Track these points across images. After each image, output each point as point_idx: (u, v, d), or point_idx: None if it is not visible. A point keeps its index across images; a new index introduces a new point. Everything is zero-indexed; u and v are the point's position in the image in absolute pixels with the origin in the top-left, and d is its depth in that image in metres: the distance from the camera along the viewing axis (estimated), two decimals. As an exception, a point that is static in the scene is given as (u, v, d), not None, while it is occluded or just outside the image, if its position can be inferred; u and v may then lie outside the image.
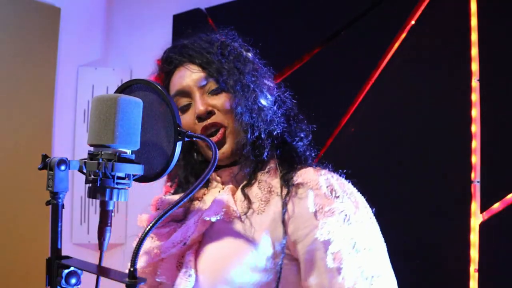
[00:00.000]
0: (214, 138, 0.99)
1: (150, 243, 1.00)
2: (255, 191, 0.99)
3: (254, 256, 0.92)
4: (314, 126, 1.11)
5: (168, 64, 1.07)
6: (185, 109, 1.03)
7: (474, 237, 1.63)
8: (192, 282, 0.92)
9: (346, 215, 0.93)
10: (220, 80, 1.00)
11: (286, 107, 1.08)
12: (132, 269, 0.66)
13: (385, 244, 0.99)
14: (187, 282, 0.91)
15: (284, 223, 0.93)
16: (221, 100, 1.01)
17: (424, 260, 1.75)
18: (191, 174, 1.09)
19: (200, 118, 1.00)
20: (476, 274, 1.61)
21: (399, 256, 1.82)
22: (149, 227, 0.69)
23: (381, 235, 0.99)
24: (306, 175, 0.97)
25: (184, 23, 2.61)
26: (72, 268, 0.72)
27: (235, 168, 1.04)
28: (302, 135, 1.07)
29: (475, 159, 1.67)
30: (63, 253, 0.74)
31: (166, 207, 1.04)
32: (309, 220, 0.93)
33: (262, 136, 1.00)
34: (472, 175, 1.66)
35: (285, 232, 0.93)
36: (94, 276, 0.75)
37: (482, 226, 1.63)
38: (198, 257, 0.95)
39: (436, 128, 1.78)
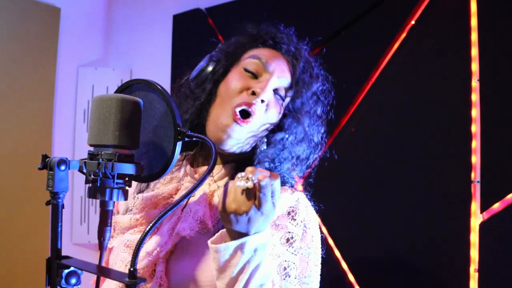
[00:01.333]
0: (243, 121, 0.96)
1: (128, 256, 0.96)
2: None
3: None
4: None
5: (275, 41, 1.05)
6: (249, 73, 1.00)
7: (474, 237, 1.63)
8: None
9: (291, 237, 0.94)
10: (296, 102, 1.01)
11: (307, 155, 1.09)
12: (132, 269, 0.66)
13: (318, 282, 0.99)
14: None
15: None
16: (276, 105, 1.00)
17: (424, 260, 1.75)
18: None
19: (254, 94, 0.97)
20: (476, 274, 1.61)
21: (399, 256, 1.82)
22: (149, 227, 0.69)
23: (318, 278, 0.98)
24: (282, 191, 0.98)
25: (184, 23, 2.61)
26: (72, 268, 0.72)
27: (227, 167, 1.04)
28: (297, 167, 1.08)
29: (475, 159, 1.67)
30: (63, 253, 0.74)
31: (139, 207, 1.01)
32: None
33: (276, 164, 1.01)
34: (472, 175, 1.66)
35: None
36: (94, 276, 0.75)
37: (482, 226, 1.63)
38: (169, 266, 0.94)
39: (436, 128, 1.78)
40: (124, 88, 0.89)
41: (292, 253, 0.93)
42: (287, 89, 1.01)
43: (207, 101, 1.02)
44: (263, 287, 0.82)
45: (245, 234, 0.81)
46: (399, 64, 1.89)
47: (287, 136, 1.01)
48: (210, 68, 1.03)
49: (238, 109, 0.96)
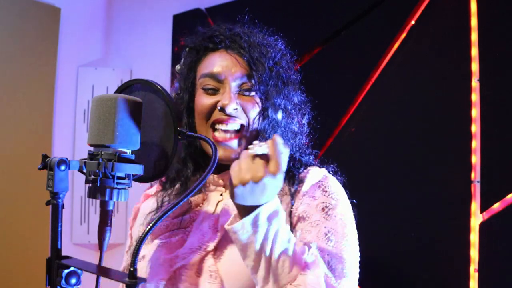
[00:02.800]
0: (223, 137, 0.98)
1: (162, 254, 0.97)
2: None
3: None
4: (317, 140, 1.14)
5: (212, 42, 1.03)
6: (209, 92, 1.00)
7: (474, 237, 1.63)
8: (218, 284, 0.92)
9: (326, 206, 0.96)
10: (261, 89, 0.99)
11: (304, 134, 1.09)
12: (132, 269, 0.66)
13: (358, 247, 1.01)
14: (213, 285, 0.91)
15: (291, 217, 0.96)
16: (250, 103, 0.99)
17: (424, 259, 1.75)
18: (192, 169, 1.07)
19: (223, 110, 0.97)
20: (476, 274, 1.61)
21: (399, 255, 1.82)
22: (149, 227, 0.69)
23: (357, 241, 1.00)
24: (307, 174, 1.01)
25: (184, 23, 2.60)
26: (72, 268, 0.72)
27: None
28: (306, 150, 1.09)
29: (475, 159, 1.67)
30: (63, 253, 0.74)
31: (171, 213, 1.03)
32: (315, 214, 0.96)
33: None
34: (472, 175, 1.66)
35: (291, 225, 0.95)
36: (94, 276, 0.75)
37: (482, 226, 1.63)
38: (218, 261, 0.94)
39: (436, 128, 1.78)
40: (124, 88, 0.89)
41: (330, 220, 0.95)
42: (249, 79, 0.99)
43: (192, 128, 1.04)
44: (287, 251, 0.83)
45: (256, 207, 0.81)
46: (399, 64, 1.89)
47: (274, 116, 1.00)
48: (178, 101, 1.05)
49: (217, 134, 0.98)
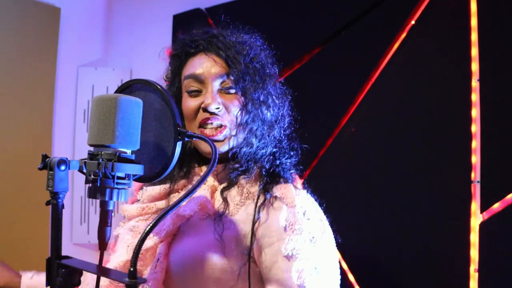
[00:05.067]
0: (211, 132, 1.01)
1: (131, 237, 1.02)
2: (233, 194, 1.03)
3: (222, 256, 0.95)
4: (306, 146, 1.14)
5: (193, 47, 1.07)
6: (193, 94, 1.05)
7: (474, 237, 1.63)
8: (161, 274, 0.95)
9: (313, 237, 0.96)
10: (240, 85, 1.02)
11: (284, 124, 1.10)
12: (132, 269, 0.66)
13: (338, 266, 1.02)
14: (157, 274, 0.94)
15: (253, 228, 0.97)
16: (231, 101, 1.03)
17: (424, 260, 1.75)
18: (179, 164, 1.10)
19: (206, 110, 1.01)
20: (476, 274, 1.61)
21: (399, 255, 1.82)
22: (149, 227, 0.69)
23: (338, 264, 1.02)
24: (285, 190, 1.00)
25: (184, 23, 2.60)
26: (72, 268, 0.72)
27: (219, 167, 1.07)
28: (292, 153, 1.10)
29: (475, 159, 1.67)
30: (63, 253, 0.74)
31: (147, 198, 1.07)
32: (277, 231, 0.96)
33: (260, 150, 1.03)
34: (472, 175, 1.66)
35: (253, 236, 0.96)
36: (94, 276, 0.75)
37: (482, 226, 1.63)
38: (171, 249, 0.98)
39: (436, 128, 1.78)
40: (124, 88, 0.89)
41: (317, 251, 0.96)
42: (228, 77, 1.03)
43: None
44: None
45: None
46: (399, 64, 1.89)
47: (254, 110, 1.03)
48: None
49: (206, 131, 1.02)
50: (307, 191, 1.07)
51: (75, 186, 2.66)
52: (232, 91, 1.03)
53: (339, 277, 1.01)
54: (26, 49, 2.46)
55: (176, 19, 2.66)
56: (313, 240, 0.96)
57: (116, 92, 0.88)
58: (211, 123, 1.01)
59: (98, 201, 0.76)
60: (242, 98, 1.03)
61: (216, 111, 1.01)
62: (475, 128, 1.68)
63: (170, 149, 0.84)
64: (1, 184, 2.32)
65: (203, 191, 1.03)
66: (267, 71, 1.08)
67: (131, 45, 2.84)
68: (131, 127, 0.75)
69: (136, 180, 0.85)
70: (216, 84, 1.03)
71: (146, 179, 0.88)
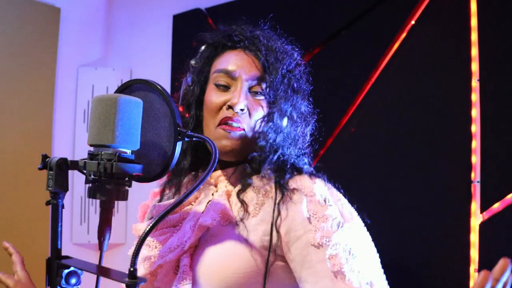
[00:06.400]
0: (230, 128, 0.99)
1: (147, 252, 1.00)
2: (250, 195, 1.00)
3: (249, 258, 0.93)
4: (316, 145, 1.13)
5: (231, 41, 1.05)
6: (221, 88, 1.02)
7: (474, 237, 1.63)
8: (189, 284, 0.92)
9: (339, 222, 0.94)
10: (271, 93, 1.00)
11: (304, 143, 1.09)
12: (132, 269, 0.66)
13: (375, 250, 1.00)
14: (186, 285, 0.92)
15: (277, 225, 0.94)
16: (256, 106, 1.01)
17: (424, 259, 1.75)
18: (193, 168, 1.09)
19: (231, 108, 0.99)
20: (476, 274, 1.61)
21: (398, 256, 1.82)
22: (149, 227, 0.69)
23: (371, 242, 1.00)
24: (301, 182, 0.98)
25: (184, 23, 2.60)
26: (72, 268, 0.72)
27: (229, 170, 1.05)
28: (305, 151, 1.09)
29: (475, 159, 1.67)
30: (63, 253, 0.74)
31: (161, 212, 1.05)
32: (301, 223, 0.94)
33: (274, 156, 1.01)
34: (472, 175, 1.66)
35: (278, 234, 0.94)
36: (94, 276, 0.75)
37: (482, 226, 1.63)
38: (194, 261, 0.96)
39: (436, 128, 1.78)
40: (124, 88, 0.89)
41: (347, 235, 0.94)
42: (261, 82, 1.01)
43: (196, 125, 1.06)
44: None
45: None
46: (399, 64, 1.89)
47: (278, 121, 1.01)
48: (189, 93, 1.06)
49: (224, 126, 1.00)
50: (323, 179, 1.05)
51: (75, 186, 2.66)
52: (260, 96, 1.01)
53: (378, 255, 0.99)
54: (26, 49, 2.46)
55: (176, 19, 2.66)
56: (340, 225, 0.93)
57: (116, 92, 0.88)
58: (231, 123, 0.99)
59: (98, 201, 0.76)
60: (268, 106, 1.01)
61: (240, 112, 0.99)
62: (475, 128, 1.68)
63: (170, 149, 0.84)
64: (1, 184, 2.32)
65: (220, 198, 1.00)
66: (301, 86, 1.07)
67: (131, 45, 2.84)
68: (131, 127, 0.75)
69: (136, 180, 0.85)
70: (247, 85, 1.01)
71: (146, 179, 0.88)
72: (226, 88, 1.02)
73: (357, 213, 1.03)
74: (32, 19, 2.49)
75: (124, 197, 0.77)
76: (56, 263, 0.72)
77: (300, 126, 1.07)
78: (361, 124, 1.96)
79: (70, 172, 0.74)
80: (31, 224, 2.38)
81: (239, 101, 0.98)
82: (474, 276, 1.62)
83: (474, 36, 1.71)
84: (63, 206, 0.73)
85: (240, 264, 0.92)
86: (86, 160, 0.74)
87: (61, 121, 2.63)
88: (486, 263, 1.60)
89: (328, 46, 2.09)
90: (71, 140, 2.71)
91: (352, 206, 1.07)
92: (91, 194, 0.75)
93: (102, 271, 0.72)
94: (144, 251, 1.00)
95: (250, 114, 1.01)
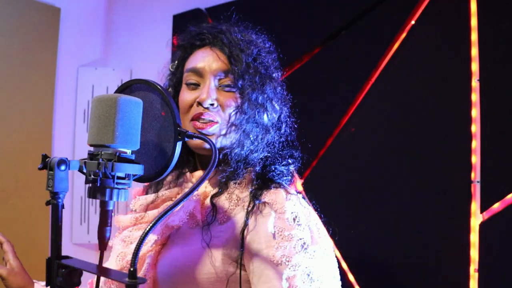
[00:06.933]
0: (202, 126, 1.00)
1: (121, 247, 1.01)
2: (222, 201, 1.00)
3: (211, 264, 0.93)
4: (306, 155, 1.11)
5: (199, 40, 1.07)
6: (191, 86, 1.04)
7: (474, 237, 1.63)
8: (148, 284, 0.94)
9: (304, 243, 0.92)
10: (238, 83, 1.01)
11: (284, 131, 1.08)
12: (132, 269, 0.66)
13: (339, 278, 0.98)
14: (147, 283, 0.94)
15: (243, 235, 0.94)
16: (227, 99, 1.01)
17: (424, 260, 1.75)
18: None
19: (201, 104, 1.01)
20: (476, 274, 1.61)
21: (399, 255, 1.82)
22: (149, 227, 0.69)
23: (337, 270, 0.98)
24: (274, 196, 0.97)
25: (184, 23, 2.60)
26: (72, 268, 0.72)
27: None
28: (290, 161, 1.07)
29: (475, 159, 1.67)
30: (63, 253, 0.74)
31: (140, 208, 1.05)
32: (265, 238, 0.93)
33: (252, 153, 1.00)
34: (472, 175, 1.66)
35: (242, 244, 0.94)
36: (94, 276, 0.75)
37: (482, 226, 1.63)
38: (159, 259, 0.97)
39: (436, 128, 1.78)
40: (124, 88, 0.89)
41: (309, 258, 0.92)
42: (228, 74, 1.02)
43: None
44: None
45: None
46: (399, 64, 1.89)
47: (249, 111, 1.01)
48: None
49: (197, 124, 1.00)
50: (302, 196, 1.03)
51: (75, 186, 2.66)
52: (230, 89, 1.02)
53: (340, 283, 0.97)
54: (26, 49, 2.46)
55: (176, 19, 2.66)
56: (305, 246, 0.91)
57: (116, 92, 0.88)
58: (203, 119, 1.00)
59: (98, 201, 0.76)
60: (239, 97, 1.02)
61: (210, 107, 1.00)
62: (475, 128, 1.68)
63: (170, 149, 0.84)
64: (1, 184, 2.32)
65: (193, 199, 1.00)
66: (269, 73, 1.06)
67: (131, 45, 2.84)
68: (131, 127, 0.75)
69: (136, 180, 0.85)
70: (215, 80, 1.02)
71: (146, 179, 0.88)
72: (196, 86, 1.03)
73: (327, 236, 1.00)
74: (32, 19, 2.49)
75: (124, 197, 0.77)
76: (56, 263, 0.72)
77: (276, 113, 1.06)
78: (361, 124, 1.96)
79: (70, 172, 0.73)
80: (31, 224, 2.38)
81: (207, 96, 0.99)
82: (474, 276, 1.62)
83: (474, 36, 1.71)
84: (63, 206, 0.73)
85: (200, 268, 0.93)
86: (86, 160, 0.74)
87: (61, 121, 2.64)
88: (486, 263, 1.60)
89: (328, 46, 2.09)
90: (71, 140, 2.71)
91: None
92: (91, 194, 0.75)
93: (102, 271, 0.72)
94: (119, 247, 1.01)
95: (222, 108, 1.01)
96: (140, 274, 0.95)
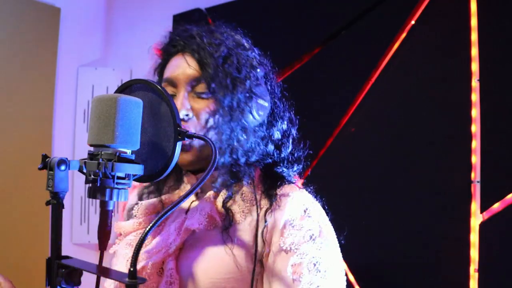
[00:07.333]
0: (184, 141, 0.94)
1: (130, 251, 0.98)
2: (237, 202, 0.98)
3: (233, 266, 0.92)
4: (310, 151, 1.10)
5: (172, 47, 1.03)
6: None
7: (474, 237, 1.63)
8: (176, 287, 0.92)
9: (313, 234, 0.93)
10: (211, 87, 0.95)
11: (281, 127, 1.05)
12: (132, 269, 0.66)
13: (344, 274, 0.99)
14: None
15: (262, 234, 0.94)
16: (202, 107, 0.96)
17: (424, 260, 1.75)
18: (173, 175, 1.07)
19: None
20: (476, 274, 1.61)
21: (399, 255, 1.82)
22: (149, 227, 0.69)
23: (343, 266, 0.99)
24: (288, 189, 0.98)
25: (184, 23, 2.60)
26: (72, 268, 0.72)
27: (214, 174, 1.00)
28: (295, 158, 1.06)
29: (475, 159, 1.67)
30: (63, 253, 0.74)
31: (142, 213, 1.03)
32: (279, 229, 0.94)
33: (240, 158, 0.97)
34: (472, 175, 1.66)
35: (263, 242, 0.94)
36: (94, 276, 0.75)
37: (482, 226, 1.63)
38: (180, 264, 0.95)
39: (436, 128, 1.78)
40: (124, 88, 0.89)
41: (317, 249, 0.93)
42: (201, 80, 0.96)
43: None
44: None
45: None
46: (399, 64, 1.89)
47: (224, 114, 0.96)
48: None
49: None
50: (310, 192, 1.04)
51: (75, 186, 2.66)
52: (205, 96, 0.97)
53: (345, 279, 0.98)
54: (26, 49, 2.47)
55: (176, 19, 2.66)
56: (313, 237, 0.93)
57: (116, 92, 0.88)
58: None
59: (98, 201, 0.76)
60: (214, 103, 0.96)
61: (185, 117, 0.95)
62: (475, 128, 1.68)
63: (170, 149, 0.84)
64: (1, 184, 2.32)
65: (206, 201, 0.98)
66: (245, 72, 0.99)
67: (131, 45, 2.84)
68: (131, 127, 0.75)
69: (136, 180, 0.85)
70: (188, 88, 0.97)
71: (146, 179, 0.88)
72: (173, 97, 0.98)
73: (335, 236, 1.01)
74: (32, 19, 2.49)
75: (124, 197, 0.77)
76: (56, 263, 0.72)
77: (263, 109, 1.01)
78: (361, 124, 1.96)
79: (70, 172, 0.73)
80: (31, 224, 2.38)
81: (180, 108, 0.95)
82: (474, 276, 1.62)
83: (474, 36, 1.71)
84: (63, 206, 0.73)
85: (225, 270, 0.92)
86: (86, 160, 0.74)
87: (61, 121, 2.64)
88: (486, 263, 1.60)
89: (328, 46, 2.10)
90: (71, 140, 2.71)
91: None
92: (91, 194, 0.75)
93: (102, 271, 0.72)
94: (126, 251, 0.98)
95: (197, 117, 0.96)
96: (164, 280, 0.92)
